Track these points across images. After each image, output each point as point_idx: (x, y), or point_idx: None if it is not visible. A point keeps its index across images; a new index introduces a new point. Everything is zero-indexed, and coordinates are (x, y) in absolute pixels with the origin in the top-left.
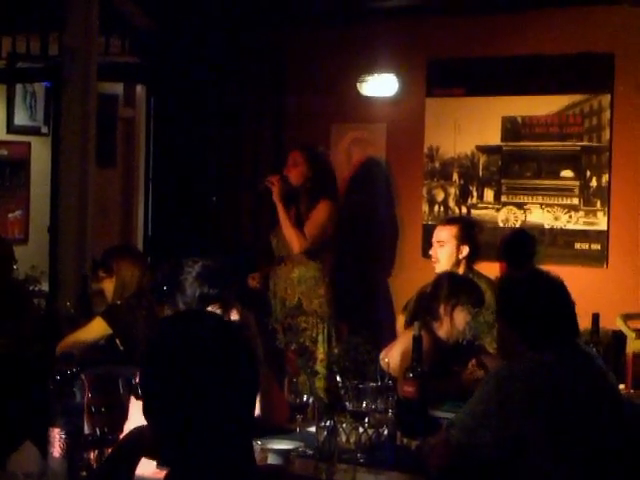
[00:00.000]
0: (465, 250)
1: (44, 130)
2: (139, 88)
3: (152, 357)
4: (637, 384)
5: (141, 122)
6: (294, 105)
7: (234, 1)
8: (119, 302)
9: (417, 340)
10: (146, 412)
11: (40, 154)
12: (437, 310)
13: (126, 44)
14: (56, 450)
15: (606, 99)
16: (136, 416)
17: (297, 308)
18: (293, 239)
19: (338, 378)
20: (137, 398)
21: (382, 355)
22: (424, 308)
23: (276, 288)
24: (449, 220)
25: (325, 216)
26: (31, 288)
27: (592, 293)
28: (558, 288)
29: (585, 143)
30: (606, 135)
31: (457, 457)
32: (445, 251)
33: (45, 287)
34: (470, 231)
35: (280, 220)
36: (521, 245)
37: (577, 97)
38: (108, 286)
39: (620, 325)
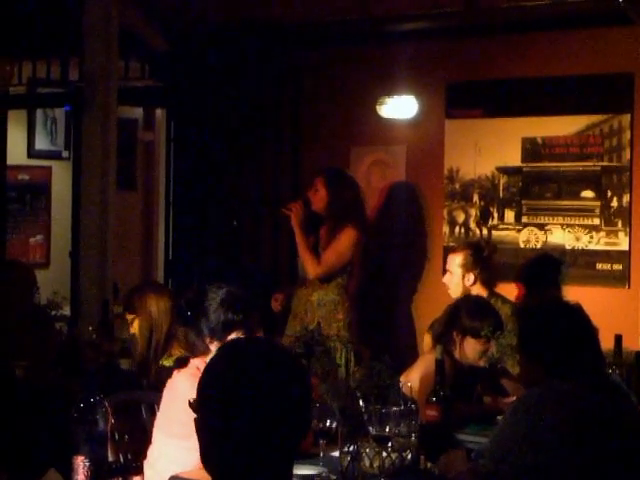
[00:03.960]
0: (471, 278)
1: (65, 155)
2: (159, 112)
3: (210, 378)
4: None
5: (161, 146)
6: (313, 128)
7: (253, 23)
8: None
9: (440, 364)
10: (198, 425)
11: (61, 179)
12: (451, 335)
13: (145, 68)
14: (80, 478)
15: (626, 119)
16: (159, 442)
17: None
18: (308, 265)
19: (361, 403)
20: (194, 411)
21: (402, 378)
22: (443, 331)
23: (297, 310)
24: (455, 248)
25: (346, 244)
26: (53, 313)
27: (614, 313)
28: (577, 317)
29: (605, 163)
30: (626, 155)
31: None
32: (453, 280)
33: (67, 312)
34: (478, 257)
35: (297, 245)
36: (540, 269)
37: (597, 117)
38: (136, 326)
39: None
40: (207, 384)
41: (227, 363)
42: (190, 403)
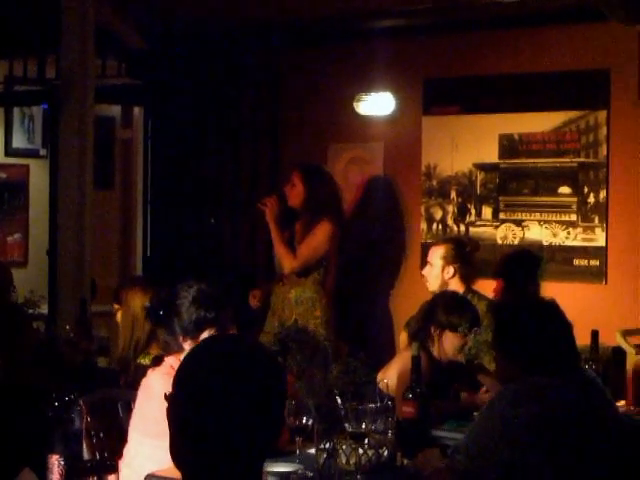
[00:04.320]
0: (450, 271)
1: (42, 153)
2: (136, 110)
3: (186, 374)
4: (637, 400)
5: (139, 143)
6: (291, 125)
7: (230, 20)
8: None
9: (416, 361)
10: (171, 419)
11: (39, 177)
12: (429, 330)
13: (122, 66)
14: (55, 477)
15: (602, 115)
16: (135, 441)
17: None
18: (283, 259)
19: (338, 400)
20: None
21: (379, 375)
22: (419, 327)
23: (275, 307)
24: (439, 241)
25: (321, 237)
26: (30, 312)
27: (591, 309)
28: (552, 313)
29: (582, 159)
30: (603, 151)
31: None
32: (432, 272)
33: (45, 310)
34: (459, 252)
35: (272, 240)
36: (518, 266)
37: (574, 114)
38: (119, 318)
39: (620, 341)
40: (181, 380)
41: (201, 359)
42: (166, 396)
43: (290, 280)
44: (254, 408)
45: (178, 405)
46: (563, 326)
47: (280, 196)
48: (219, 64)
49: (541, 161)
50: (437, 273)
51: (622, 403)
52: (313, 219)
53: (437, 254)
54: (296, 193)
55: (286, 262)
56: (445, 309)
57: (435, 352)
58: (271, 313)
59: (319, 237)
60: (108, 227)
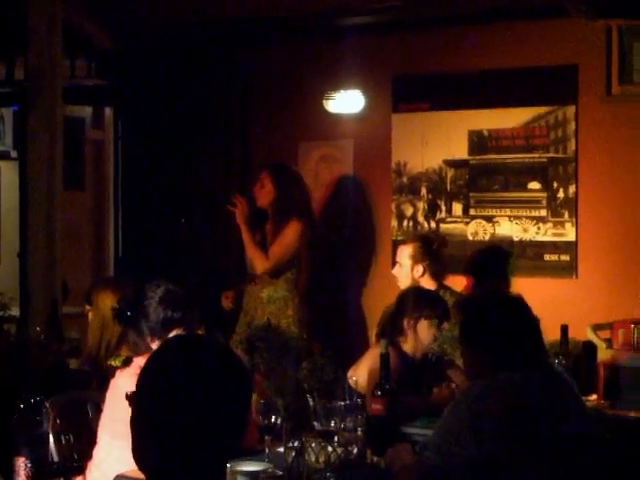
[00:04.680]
0: (419, 270)
1: (13, 155)
2: (108, 110)
3: (149, 372)
4: (608, 394)
5: (110, 144)
6: (261, 124)
7: (199, 19)
8: None
9: (384, 358)
10: (133, 421)
11: (10, 179)
12: (401, 324)
13: (92, 66)
14: (21, 479)
15: (571, 110)
16: (104, 442)
17: (264, 329)
18: (255, 260)
19: (309, 398)
20: (131, 404)
21: (350, 373)
22: (389, 323)
23: (247, 307)
24: (406, 240)
25: (292, 237)
26: (0, 314)
27: (562, 304)
28: (519, 308)
29: (551, 155)
30: (572, 146)
31: (430, 479)
32: (402, 271)
33: (16, 312)
34: (427, 249)
35: (244, 241)
36: (488, 261)
37: (542, 109)
38: (91, 319)
39: (590, 335)
40: (144, 381)
41: (164, 360)
42: (127, 396)
43: (262, 280)
44: (217, 408)
45: (141, 405)
46: (529, 321)
47: (249, 197)
48: (188, 64)
49: (510, 157)
50: (407, 272)
51: (593, 397)
52: (283, 219)
53: (405, 253)
54: (265, 193)
55: (258, 263)
56: (417, 301)
57: (408, 347)
58: (243, 313)
59: (290, 237)
60: (80, 228)
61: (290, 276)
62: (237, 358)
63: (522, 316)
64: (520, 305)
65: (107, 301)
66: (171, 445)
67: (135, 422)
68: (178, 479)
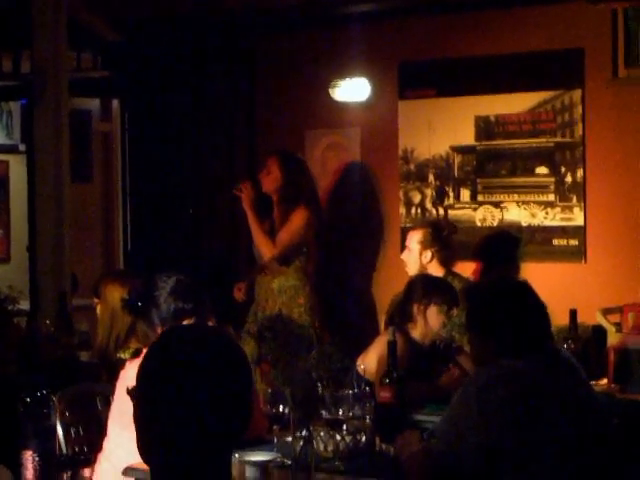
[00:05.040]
0: (428, 255)
1: (22, 148)
2: (115, 102)
3: (151, 364)
4: (618, 378)
5: (118, 136)
6: (267, 113)
7: (204, 8)
8: None
9: (392, 345)
10: (136, 413)
11: (18, 172)
12: (410, 311)
13: (98, 59)
14: (29, 472)
15: (577, 94)
16: (114, 434)
17: (271, 319)
18: (262, 246)
19: (318, 386)
20: (133, 399)
21: (359, 361)
22: (398, 311)
23: (258, 298)
24: (415, 225)
25: (299, 223)
26: (10, 308)
27: (571, 288)
28: (525, 294)
29: (558, 139)
30: (579, 130)
31: (438, 467)
32: (411, 256)
33: (26, 306)
34: (437, 235)
35: (250, 227)
36: (497, 247)
37: (549, 94)
38: (99, 311)
39: (600, 319)
40: (145, 371)
41: (165, 350)
42: (128, 390)
43: (272, 270)
44: (221, 399)
45: (142, 398)
46: (535, 307)
47: (255, 183)
48: (194, 53)
49: (517, 142)
50: (415, 257)
51: (604, 381)
52: (290, 206)
53: (414, 239)
54: (272, 179)
55: (265, 249)
56: (427, 287)
57: (417, 334)
58: (255, 304)
59: (296, 224)
60: (89, 220)
61: (299, 265)
62: (238, 347)
63: (528, 302)
64: (526, 291)
65: (115, 294)
66: (174, 438)
67: (137, 415)
68: (183, 472)
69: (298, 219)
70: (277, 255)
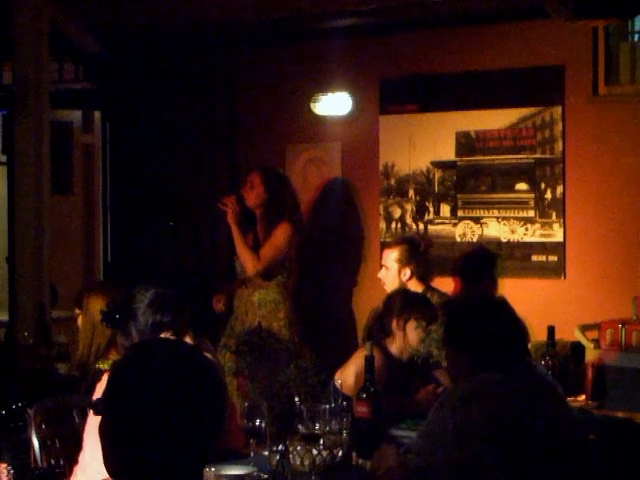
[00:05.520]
0: (407, 273)
1: (2, 159)
2: (97, 114)
3: (119, 379)
4: (595, 395)
5: (99, 148)
6: (249, 127)
7: (186, 22)
8: None
9: (369, 360)
10: (102, 428)
11: None
12: (390, 326)
13: (80, 70)
14: None
15: (558, 111)
16: (90, 446)
17: (248, 333)
18: (247, 261)
19: (296, 400)
20: (95, 413)
21: (337, 375)
22: (376, 325)
23: (238, 310)
24: (391, 243)
25: (282, 238)
26: None
27: (550, 304)
28: (502, 310)
29: (538, 155)
30: (559, 147)
31: None
32: (389, 274)
33: (4, 317)
34: (413, 252)
35: (235, 242)
36: (476, 263)
37: (529, 110)
38: (80, 323)
39: (578, 336)
40: (113, 385)
41: (134, 364)
42: (92, 403)
43: (253, 283)
44: (191, 414)
45: (110, 412)
46: (512, 323)
47: (239, 197)
48: (175, 66)
49: (498, 158)
50: (394, 275)
51: (582, 397)
52: (273, 221)
53: (391, 257)
54: (255, 194)
55: (249, 264)
56: (407, 302)
57: (395, 348)
58: (234, 317)
59: (280, 238)
60: (70, 232)
61: (281, 279)
62: (210, 362)
63: (505, 318)
64: (503, 307)
65: (98, 305)
66: (143, 452)
67: (105, 429)
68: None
69: (281, 234)
70: (261, 270)
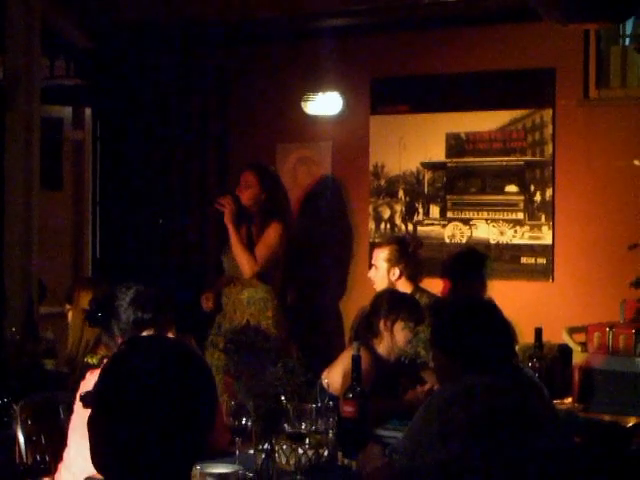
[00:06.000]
0: (396, 272)
1: None
2: (87, 110)
3: (111, 374)
4: (582, 397)
5: (89, 145)
6: (239, 125)
7: (177, 20)
8: None
9: (356, 360)
10: (91, 423)
11: None
12: (377, 326)
13: (71, 66)
14: None
15: (548, 114)
16: (74, 443)
17: (235, 331)
18: (244, 263)
19: (283, 400)
20: (85, 406)
21: (324, 375)
22: (364, 325)
23: (226, 308)
24: (381, 243)
25: (276, 238)
26: None
27: (538, 307)
28: (489, 312)
29: (528, 158)
30: (549, 149)
31: None
32: (378, 274)
33: None
34: (403, 252)
35: (232, 243)
36: (465, 264)
37: (519, 112)
38: (70, 318)
39: (566, 338)
40: (104, 382)
41: (125, 361)
42: (82, 397)
43: (242, 281)
44: (182, 410)
45: (100, 407)
46: (499, 325)
47: (234, 197)
48: (166, 64)
49: (488, 160)
50: (383, 275)
51: (568, 400)
52: (266, 220)
53: (381, 256)
54: (252, 194)
55: (247, 267)
56: (394, 302)
57: (382, 349)
58: (221, 315)
59: (273, 238)
60: (59, 228)
61: (270, 278)
62: (200, 360)
63: (492, 320)
64: (490, 309)
65: (88, 300)
66: (133, 447)
67: (94, 423)
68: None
69: (273, 233)
70: (258, 271)
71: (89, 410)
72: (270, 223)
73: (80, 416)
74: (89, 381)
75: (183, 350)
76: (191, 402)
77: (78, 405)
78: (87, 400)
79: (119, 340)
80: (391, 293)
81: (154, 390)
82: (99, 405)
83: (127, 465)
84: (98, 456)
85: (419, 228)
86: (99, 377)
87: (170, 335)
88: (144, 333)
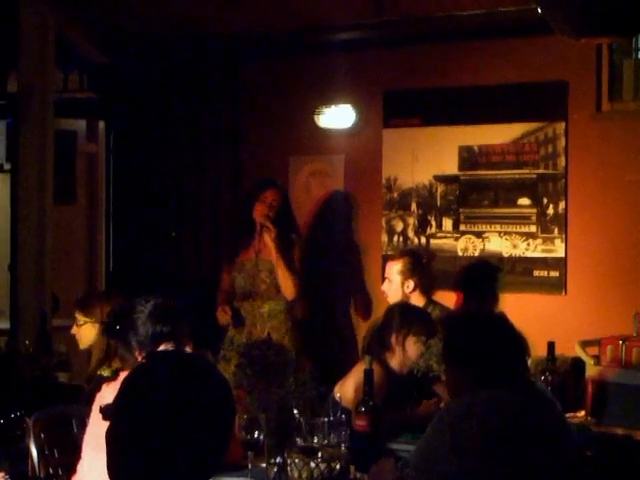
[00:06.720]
0: (410, 285)
1: (7, 167)
2: (101, 124)
3: (132, 387)
4: (595, 411)
5: (102, 158)
6: (252, 138)
7: (191, 33)
8: None
9: (368, 374)
10: (110, 435)
11: (2, 191)
12: (389, 340)
13: (85, 80)
14: None
15: (561, 127)
16: (88, 456)
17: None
18: (290, 285)
19: (295, 413)
20: (104, 418)
21: (336, 389)
22: (376, 339)
23: (245, 323)
24: (394, 256)
25: (300, 255)
26: None
27: (551, 320)
28: (501, 326)
29: (541, 171)
30: (562, 162)
31: None
32: (392, 286)
33: (6, 325)
34: (416, 265)
35: (280, 266)
36: (477, 277)
37: (532, 125)
38: (87, 332)
39: (579, 352)
40: (126, 395)
41: (147, 373)
42: (101, 408)
43: (261, 295)
44: (200, 426)
45: (121, 420)
46: (511, 339)
47: (268, 217)
48: (180, 77)
49: (500, 173)
50: (397, 288)
51: (581, 414)
52: (287, 237)
53: (395, 269)
54: (274, 212)
55: (291, 290)
56: (406, 316)
57: (395, 363)
58: (236, 329)
59: (299, 256)
60: (72, 242)
61: None
62: (219, 374)
63: (504, 334)
64: (502, 323)
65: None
66: (152, 461)
67: (113, 436)
68: None
69: (298, 252)
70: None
71: (105, 423)
72: (292, 241)
73: (94, 429)
74: (105, 393)
75: (203, 364)
76: (211, 416)
77: (93, 418)
78: (107, 413)
79: (136, 353)
80: (403, 307)
81: (175, 404)
82: (119, 418)
83: (145, 479)
84: (116, 469)
85: (432, 241)
86: (119, 390)
87: (188, 349)
88: (162, 346)
